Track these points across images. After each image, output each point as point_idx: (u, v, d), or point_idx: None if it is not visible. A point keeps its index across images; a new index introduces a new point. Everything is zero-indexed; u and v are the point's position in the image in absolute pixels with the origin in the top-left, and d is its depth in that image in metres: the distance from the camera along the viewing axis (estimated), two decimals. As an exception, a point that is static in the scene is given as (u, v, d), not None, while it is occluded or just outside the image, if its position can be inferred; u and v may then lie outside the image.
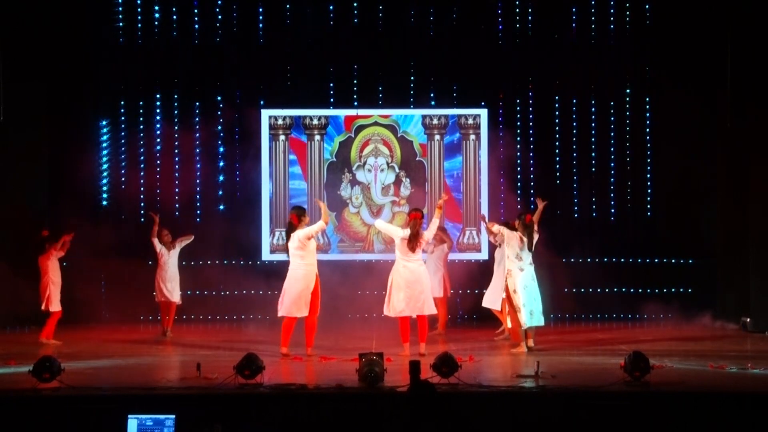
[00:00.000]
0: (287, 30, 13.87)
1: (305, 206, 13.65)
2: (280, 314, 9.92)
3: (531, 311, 10.11)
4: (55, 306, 11.28)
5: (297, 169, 14.14)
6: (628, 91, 14.11)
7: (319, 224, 10.00)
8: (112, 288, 13.31)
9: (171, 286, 11.91)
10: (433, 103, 14.02)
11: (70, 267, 12.39)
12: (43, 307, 11.26)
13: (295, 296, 9.81)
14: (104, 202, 13.93)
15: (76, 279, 12.41)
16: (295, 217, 9.98)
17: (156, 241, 11.88)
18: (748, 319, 12.13)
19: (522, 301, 10.06)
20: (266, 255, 13.98)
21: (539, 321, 10.20)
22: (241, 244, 13.79)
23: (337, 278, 12.73)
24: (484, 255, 13.93)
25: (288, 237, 9.96)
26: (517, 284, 10.12)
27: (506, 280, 10.26)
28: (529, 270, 10.17)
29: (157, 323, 12.73)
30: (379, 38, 13.86)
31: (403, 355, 9.40)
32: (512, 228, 10.37)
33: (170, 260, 11.95)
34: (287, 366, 9.17)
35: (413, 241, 9.75)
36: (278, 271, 12.01)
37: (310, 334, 9.91)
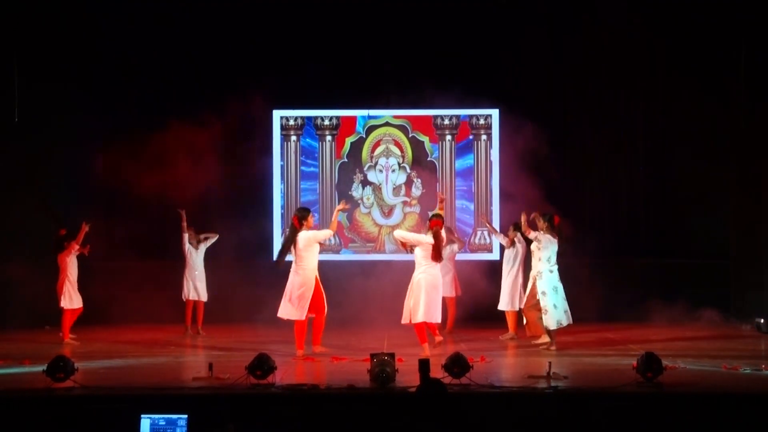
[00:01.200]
0: (298, 30, 13.88)
1: (317, 207, 13.73)
2: (279, 315, 9.98)
3: (565, 310, 10.23)
4: (68, 303, 11.35)
5: (308, 170, 14.16)
6: (640, 91, 14.09)
7: (326, 232, 10.20)
8: (125, 288, 13.34)
9: (200, 285, 12.14)
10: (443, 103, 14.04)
11: (83, 266, 12.43)
12: (60, 305, 11.37)
13: (294, 299, 9.86)
14: (118, 202, 14.00)
15: (89, 278, 12.45)
16: (296, 220, 9.98)
17: (186, 237, 11.99)
18: (762, 320, 12.08)
19: (553, 302, 10.13)
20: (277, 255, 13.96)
21: (567, 321, 10.30)
22: (252, 244, 13.81)
23: (348, 278, 12.75)
24: (495, 255, 13.92)
25: (292, 238, 9.89)
26: (548, 286, 10.13)
27: (534, 282, 10.28)
28: (556, 271, 10.20)
29: (173, 323, 12.78)
30: (390, 38, 13.86)
31: (425, 356, 9.37)
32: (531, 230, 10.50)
33: (197, 259, 12.15)
34: (299, 366, 9.19)
35: (437, 250, 9.79)
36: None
37: (318, 332, 9.99)
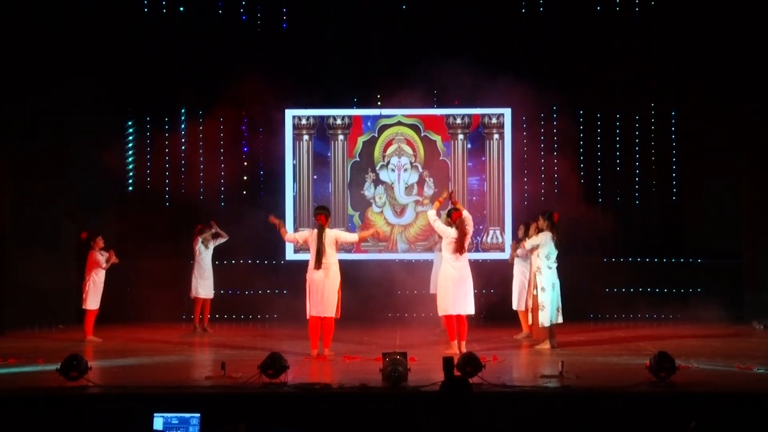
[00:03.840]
0: (310, 29, 13.89)
1: (330, 206, 13.73)
2: (330, 315, 9.83)
3: (558, 308, 10.19)
4: (89, 304, 11.42)
5: (320, 169, 14.16)
6: (653, 90, 14.03)
7: (353, 237, 10.45)
8: (138, 286, 13.39)
9: (208, 284, 12.22)
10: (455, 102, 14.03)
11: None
12: (83, 305, 11.47)
13: (333, 296, 9.82)
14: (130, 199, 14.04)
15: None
16: (325, 218, 9.97)
17: (199, 239, 12.11)
18: (772, 320, 12.01)
19: (550, 298, 10.09)
20: (290, 254, 14.01)
21: (561, 319, 10.28)
22: (264, 244, 13.83)
23: (360, 278, 12.75)
24: (507, 255, 13.84)
25: (321, 235, 9.81)
26: (546, 282, 10.14)
27: (534, 278, 10.26)
28: (555, 268, 10.18)
29: (183, 321, 12.82)
30: (402, 37, 13.84)
31: (453, 353, 9.31)
32: (529, 227, 10.53)
33: (207, 257, 12.26)
34: (311, 365, 9.18)
35: (460, 242, 9.81)
36: (302, 271, 12.04)
37: (327, 334, 9.85)
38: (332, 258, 9.86)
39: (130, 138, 14.11)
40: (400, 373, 7.61)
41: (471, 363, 7.74)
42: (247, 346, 10.69)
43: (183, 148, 14.02)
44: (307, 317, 9.85)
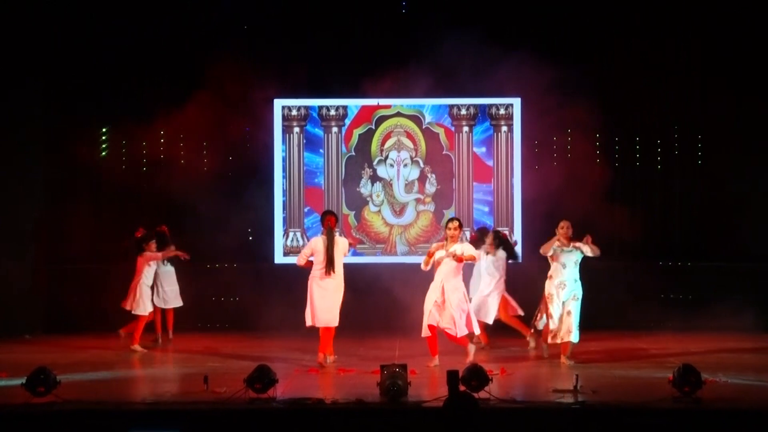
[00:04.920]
0: (301, 12, 13.87)
1: (322, 205, 13.73)
2: (330, 324, 10.24)
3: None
4: (142, 309, 11.51)
5: (312, 165, 14.15)
6: (677, 84, 14.04)
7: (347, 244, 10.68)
8: (112, 291, 13.37)
9: (170, 291, 12.25)
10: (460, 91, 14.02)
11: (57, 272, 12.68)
12: (128, 307, 11.56)
13: (335, 304, 10.29)
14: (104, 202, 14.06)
15: (71, 285, 12.56)
16: (334, 221, 10.42)
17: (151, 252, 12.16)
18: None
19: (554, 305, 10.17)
20: (279, 258, 14.00)
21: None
22: (251, 246, 13.82)
23: (356, 283, 12.70)
24: (518, 259, 13.85)
25: (332, 240, 10.23)
26: (553, 288, 10.22)
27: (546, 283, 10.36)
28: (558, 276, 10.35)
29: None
30: (401, 20, 13.85)
31: (432, 366, 9.48)
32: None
33: (166, 267, 12.31)
34: (302, 379, 9.19)
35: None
36: (292, 276, 12.06)
37: (330, 342, 10.25)
38: (340, 266, 10.27)
39: (104, 131, 14.08)
40: (400, 387, 7.62)
41: (477, 376, 7.74)
42: (231, 358, 10.68)
43: (161, 141, 13.99)
44: (307, 324, 10.20)
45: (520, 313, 11.67)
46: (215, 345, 12.05)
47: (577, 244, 10.27)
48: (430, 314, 9.83)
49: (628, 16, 13.88)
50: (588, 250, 10.21)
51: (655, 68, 13.95)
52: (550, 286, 10.30)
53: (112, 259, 13.26)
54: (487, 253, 11.54)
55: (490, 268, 11.52)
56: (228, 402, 7.64)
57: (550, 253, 10.30)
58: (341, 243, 10.36)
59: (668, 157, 14.11)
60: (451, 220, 10.21)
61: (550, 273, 10.34)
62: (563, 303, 10.20)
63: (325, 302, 10.15)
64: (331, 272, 10.15)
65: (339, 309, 10.25)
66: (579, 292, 10.26)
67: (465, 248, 10.09)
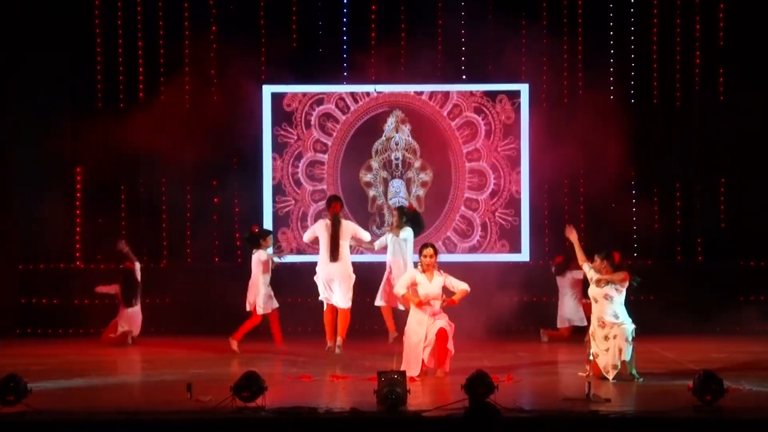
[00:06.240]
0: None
1: (319, 198, 13.76)
2: (346, 306, 11.22)
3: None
4: (259, 309, 11.60)
5: (306, 155, 14.13)
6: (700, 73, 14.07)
7: (367, 238, 11.40)
8: (87, 292, 13.40)
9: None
10: (464, 77, 13.99)
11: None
12: (248, 308, 11.72)
13: (346, 288, 11.18)
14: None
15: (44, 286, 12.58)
16: (339, 206, 11.22)
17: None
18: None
19: None
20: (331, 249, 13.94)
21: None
22: (237, 242, 13.81)
23: (355, 283, 12.69)
24: (524, 256, 13.89)
25: (336, 225, 10.96)
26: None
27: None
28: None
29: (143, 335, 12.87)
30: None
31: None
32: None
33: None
34: (293, 386, 9.19)
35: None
36: (286, 274, 12.06)
37: (344, 324, 11.23)
38: (346, 250, 10.95)
39: (93, 116, 14.06)
40: (398, 395, 7.62)
41: (482, 383, 7.73)
42: (217, 364, 10.67)
43: (142, 130, 13.96)
44: (323, 304, 11.11)
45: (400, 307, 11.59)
46: (199, 350, 12.05)
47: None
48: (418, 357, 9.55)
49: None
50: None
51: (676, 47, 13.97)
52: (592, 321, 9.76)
53: (89, 258, 13.24)
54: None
55: (395, 248, 11.65)
56: (213, 412, 7.62)
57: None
58: (348, 227, 10.99)
59: (687, 148, 14.12)
60: (425, 246, 9.83)
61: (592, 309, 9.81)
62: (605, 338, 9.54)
63: (329, 285, 11.01)
64: (336, 258, 10.85)
65: (350, 293, 11.11)
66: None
67: (453, 283, 9.70)
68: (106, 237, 13.36)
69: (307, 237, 11.61)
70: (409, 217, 11.65)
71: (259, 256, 11.71)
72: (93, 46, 13.81)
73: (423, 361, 9.53)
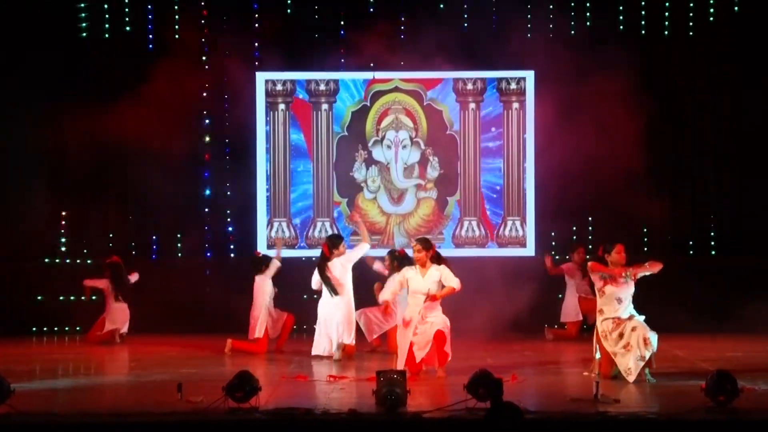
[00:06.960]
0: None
1: (311, 192, 13.72)
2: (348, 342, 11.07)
3: None
4: (257, 332, 11.64)
5: (300, 145, 14.13)
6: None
7: (364, 247, 11.24)
8: (71, 290, 13.41)
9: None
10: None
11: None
12: (255, 335, 11.71)
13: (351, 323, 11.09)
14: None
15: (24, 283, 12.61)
16: (326, 247, 11.08)
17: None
18: None
19: None
20: (262, 250, 13.97)
21: None
22: (228, 237, 13.82)
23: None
24: (529, 251, 13.89)
25: (323, 268, 10.99)
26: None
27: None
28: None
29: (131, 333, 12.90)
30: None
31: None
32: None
33: None
34: (289, 387, 9.20)
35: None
36: (284, 270, 12.06)
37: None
38: (348, 286, 11.02)
39: (80, 106, 14.05)
40: (398, 395, 7.63)
41: (484, 383, 7.73)
42: (209, 363, 10.68)
43: (130, 120, 13.95)
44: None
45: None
46: (190, 348, 12.06)
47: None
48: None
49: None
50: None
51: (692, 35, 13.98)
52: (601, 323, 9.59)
53: (73, 255, 13.23)
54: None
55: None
56: (205, 413, 7.62)
57: (599, 285, 9.61)
58: (336, 268, 10.94)
59: (703, 142, 14.14)
60: (415, 241, 9.91)
61: (599, 307, 9.70)
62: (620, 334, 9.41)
63: (329, 325, 10.94)
64: (337, 293, 10.93)
65: (353, 325, 11.08)
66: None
67: (444, 273, 9.59)
68: (92, 232, 13.37)
69: (313, 284, 11.31)
70: (399, 260, 11.47)
71: (260, 283, 11.71)
72: (79, 30, 13.79)
73: (417, 359, 9.49)
